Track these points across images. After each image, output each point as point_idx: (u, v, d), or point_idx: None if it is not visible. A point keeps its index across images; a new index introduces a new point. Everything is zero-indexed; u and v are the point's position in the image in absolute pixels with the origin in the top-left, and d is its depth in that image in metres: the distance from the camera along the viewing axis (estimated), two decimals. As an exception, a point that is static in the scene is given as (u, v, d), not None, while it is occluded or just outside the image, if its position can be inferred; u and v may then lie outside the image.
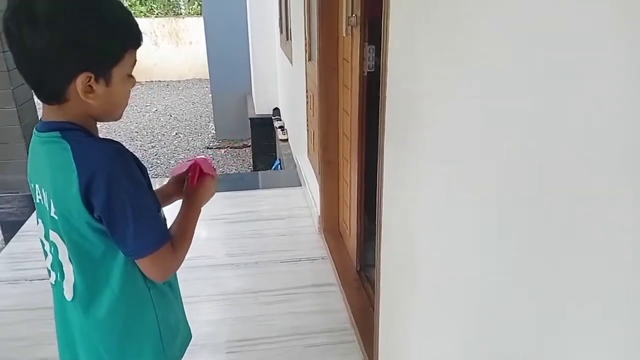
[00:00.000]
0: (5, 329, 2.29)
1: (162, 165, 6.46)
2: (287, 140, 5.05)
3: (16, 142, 3.48)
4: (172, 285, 1.15)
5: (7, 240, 3.12)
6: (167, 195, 1.21)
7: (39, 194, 1.01)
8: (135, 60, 1.01)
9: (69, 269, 1.01)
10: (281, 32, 4.84)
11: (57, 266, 1.04)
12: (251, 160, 6.34)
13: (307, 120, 3.34)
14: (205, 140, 7.41)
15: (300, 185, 3.74)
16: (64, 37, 0.87)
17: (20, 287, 2.61)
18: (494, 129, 0.90)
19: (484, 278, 0.98)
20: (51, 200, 0.96)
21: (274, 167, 5.51)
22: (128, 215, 0.93)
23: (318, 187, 2.97)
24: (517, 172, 0.83)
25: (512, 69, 0.83)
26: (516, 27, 0.81)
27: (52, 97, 0.94)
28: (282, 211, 3.41)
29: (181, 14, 12.30)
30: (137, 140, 7.33)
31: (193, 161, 1.19)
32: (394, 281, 1.58)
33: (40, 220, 1.04)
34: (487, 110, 0.92)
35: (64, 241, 0.99)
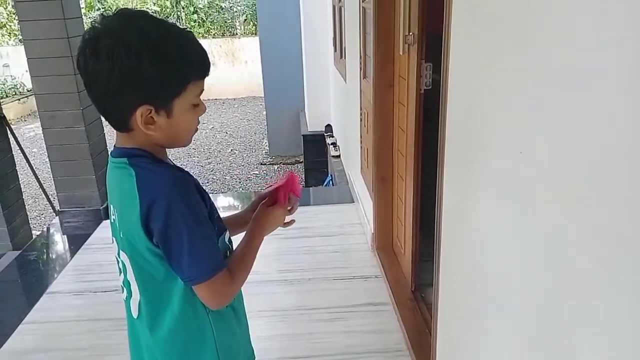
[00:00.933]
0: (69, 339, 2.39)
1: (218, 181, 6.62)
2: (339, 156, 5.06)
3: (83, 159, 3.67)
4: (235, 310, 1.15)
5: (73, 253, 3.27)
6: (245, 222, 1.21)
7: (112, 214, 1.06)
8: (202, 90, 1.02)
9: (135, 287, 1.05)
10: (335, 50, 4.88)
11: (126, 284, 1.08)
12: (303, 176, 6.40)
13: (361, 137, 3.34)
14: (259, 156, 7.55)
15: (353, 202, 3.73)
16: (122, 71, 0.90)
17: (84, 299, 2.72)
18: (563, 154, 0.86)
19: (554, 301, 0.93)
20: (119, 223, 1.02)
21: (325, 183, 5.53)
22: (184, 243, 0.95)
23: (371, 204, 2.94)
24: (586, 196, 0.79)
25: (590, 89, 0.79)
26: (593, 41, 0.78)
27: (118, 126, 0.99)
28: (334, 228, 3.40)
29: (237, 34, 12.69)
30: (194, 157, 7.56)
31: (286, 178, 1.19)
32: (454, 303, 1.53)
33: (114, 239, 1.08)
34: (556, 133, 0.88)
35: (130, 262, 1.03)
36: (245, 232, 1.18)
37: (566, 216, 0.87)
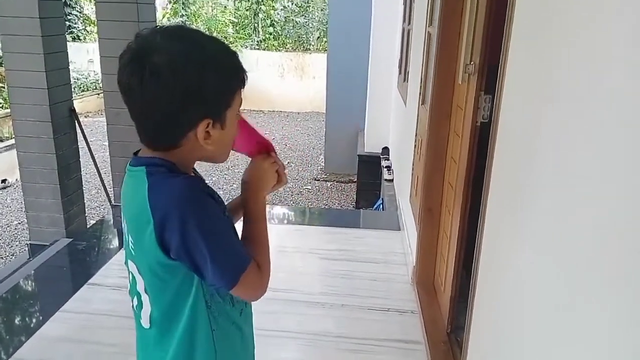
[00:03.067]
0: (99, 333, 2.43)
1: (270, 193, 6.66)
2: (392, 180, 4.95)
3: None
4: (242, 331, 1.10)
5: (120, 247, 3.36)
6: (237, 207, 1.15)
7: (123, 223, 1.04)
8: (242, 100, 1.00)
9: (145, 298, 1.02)
10: (400, 72, 4.81)
11: (136, 294, 1.04)
12: (355, 196, 6.31)
13: (413, 164, 3.23)
14: (314, 171, 7.55)
15: (399, 230, 3.61)
16: (185, 87, 0.88)
17: (121, 294, 2.77)
18: (620, 195, 0.75)
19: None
20: (131, 235, 0.98)
21: (376, 206, 5.42)
22: (205, 254, 0.91)
23: (416, 234, 2.83)
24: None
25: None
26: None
27: (169, 143, 0.95)
28: (377, 254, 3.30)
29: (310, 49, 12.89)
30: (251, 165, 7.69)
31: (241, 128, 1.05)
32: (484, 350, 1.41)
33: (124, 249, 1.06)
34: (611, 174, 0.77)
35: (140, 273, 1.00)
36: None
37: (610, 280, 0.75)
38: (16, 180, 6.32)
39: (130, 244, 0.99)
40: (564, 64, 1.00)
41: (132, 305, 1.09)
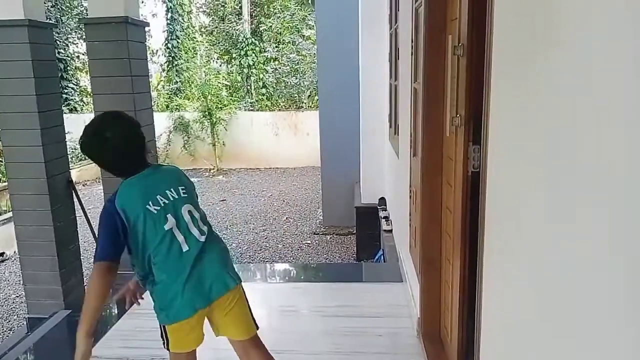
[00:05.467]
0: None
1: (270, 249, 6.63)
2: (391, 231, 4.95)
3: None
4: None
5: (118, 316, 3.31)
6: None
7: (165, 196, 1.92)
8: None
9: (203, 226, 1.98)
10: (390, 125, 4.92)
11: (196, 227, 1.94)
12: (355, 248, 6.28)
13: (410, 215, 3.25)
14: (313, 225, 7.54)
15: (402, 281, 3.58)
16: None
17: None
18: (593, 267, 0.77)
19: None
20: (187, 192, 2.00)
21: (377, 257, 5.39)
22: None
23: (419, 285, 2.80)
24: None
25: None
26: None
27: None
28: (381, 308, 3.26)
29: (302, 106, 13.19)
30: (250, 224, 7.67)
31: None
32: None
33: (168, 215, 1.89)
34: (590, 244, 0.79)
35: (196, 209, 2.00)
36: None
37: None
38: (14, 252, 6.29)
39: (182, 193, 1.96)
40: (542, 115, 1.04)
41: (185, 248, 1.88)
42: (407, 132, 3.23)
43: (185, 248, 1.87)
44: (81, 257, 4.07)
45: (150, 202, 1.87)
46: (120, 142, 1.89)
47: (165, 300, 1.88)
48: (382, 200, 5.75)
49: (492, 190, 1.45)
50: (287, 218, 7.99)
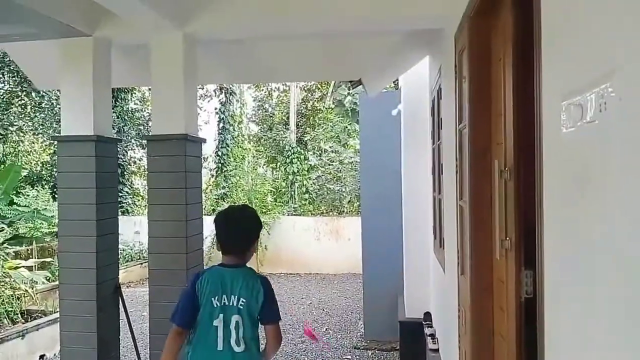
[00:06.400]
0: None
1: (308, 364, 6.35)
2: (437, 350, 4.67)
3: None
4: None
5: None
6: None
7: (226, 299, 2.32)
8: None
9: (245, 334, 2.34)
10: (435, 237, 4.86)
11: (238, 334, 2.31)
12: (399, 368, 5.93)
13: (459, 337, 3.09)
14: (353, 339, 7.23)
15: (452, 410, 3.31)
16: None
17: None
18: None
19: None
20: (243, 303, 2.33)
21: (423, 379, 5.05)
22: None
23: (471, 419, 2.58)
24: None
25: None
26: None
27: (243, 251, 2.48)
28: None
29: (343, 212, 13.33)
30: (288, 334, 7.44)
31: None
32: None
33: (220, 314, 2.31)
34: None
35: (243, 319, 2.33)
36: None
37: None
38: (54, 355, 6.27)
39: (240, 304, 2.31)
40: (599, 234, 1.02)
41: (219, 348, 2.30)
42: (454, 247, 3.17)
43: (220, 347, 2.29)
44: (120, 366, 4.01)
45: (216, 297, 2.32)
46: (225, 227, 2.46)
47: None
48: (428, 315, 5.51)
49: (551, 320, 1.37)
50: (326, 329, 7.72)
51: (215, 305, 2.29)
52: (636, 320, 0.88)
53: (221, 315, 2.28)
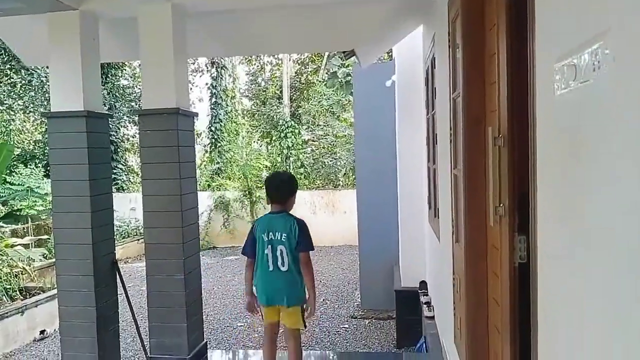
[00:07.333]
0: None
1: (307, 332, 6.43)
2: (433, 317, 4.75)
3: (179, 307, 3.80)
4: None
5: None
6: None
7: (271, 235, 3.30)
8: None
9: (287, 259, 3.29)
10: (429, 207, 4.89)
11: (281, 260, 3.28)
12: (395, 334, 6.03)
13: (454, 304, 3.13)
14: (350, 308, 7.33)
15: (447, 375, 3.38)
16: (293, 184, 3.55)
17: None
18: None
19: None
20: (284, 237, 3.29)
21: (418, 345, 5.15)
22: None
23: (465, 382, 2.64)
24: None
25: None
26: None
27: (284, 200, 3.42)
28: (425, 404, 3.06)
29: (338, 185, 13.36)
30: (286, 305, 7.55)
31: None
32: None
33: (269, 245, 3.30)
34: None
35: (286, 248, 3.29)
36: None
37: None
38: (54, 330, 6.35)
39: (282, 238, 3.27)
40: (593, 204, 1.02)
41: (273, 267, 3.31)
42: (448, 216, 3.19)
43: (270, 268, 3.29)
44: (119, 339, 4.06)
45: (265, 233, 3.30)
46: (270, 184, 3.53)
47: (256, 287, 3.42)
48: (423, 284, 5.58)
49: (544, 284, 1.39)
50: (324, 300, 7.82)
51: (265, 240, 3.28)
52: (628, 283, 0.89)
53: (269, 246, 3.28)
